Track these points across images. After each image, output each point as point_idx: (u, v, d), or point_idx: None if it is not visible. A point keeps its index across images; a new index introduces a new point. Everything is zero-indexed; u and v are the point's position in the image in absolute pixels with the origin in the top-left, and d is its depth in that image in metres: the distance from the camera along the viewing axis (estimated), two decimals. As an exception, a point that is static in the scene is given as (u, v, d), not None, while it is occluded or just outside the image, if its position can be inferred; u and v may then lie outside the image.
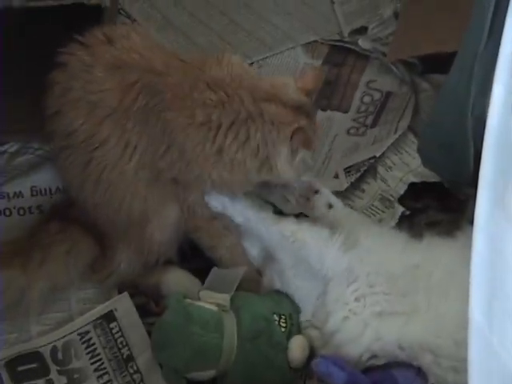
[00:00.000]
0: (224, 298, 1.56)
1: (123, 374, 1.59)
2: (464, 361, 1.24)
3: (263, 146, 1.52)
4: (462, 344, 1.33)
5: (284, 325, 1.58)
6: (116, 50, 1.56)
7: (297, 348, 1.56)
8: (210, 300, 1.57)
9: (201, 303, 1.56)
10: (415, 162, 1.87)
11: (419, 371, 1.41)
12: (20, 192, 1.84)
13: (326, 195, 1.69)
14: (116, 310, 1.65)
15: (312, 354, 1.55)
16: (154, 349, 1.56)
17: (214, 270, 1.61)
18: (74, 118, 1.55)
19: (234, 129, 1.51)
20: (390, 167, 1.88)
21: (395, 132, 1.92)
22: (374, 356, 1.46)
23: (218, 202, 1.59)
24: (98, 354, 1.61)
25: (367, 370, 1.45)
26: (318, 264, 1.53)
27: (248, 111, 1.51)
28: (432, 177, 1.81)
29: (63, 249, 1.64)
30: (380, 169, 1.87)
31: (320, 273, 1.52)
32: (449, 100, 1.63)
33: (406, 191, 1.81)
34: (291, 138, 1.51)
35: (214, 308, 1.55)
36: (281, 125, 1.51)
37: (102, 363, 1.60)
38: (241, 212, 1.60)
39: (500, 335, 1.02)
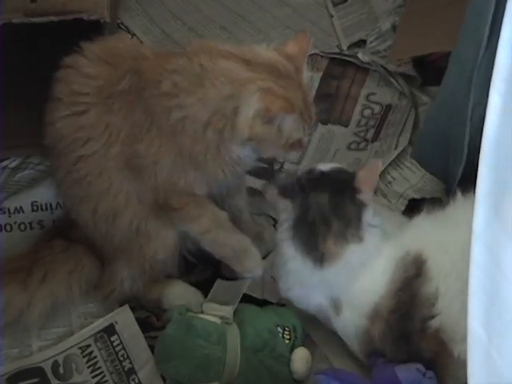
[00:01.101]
0: (227, 311, 1.56)
1: (125, 387, 1.59)
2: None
3: (220, 102, 1.46)
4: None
5: (288, 337, 1.58)
6: (104, 43, 1.57)
7: (300, 360, 1.56)
8: (213, 312, 1.57)
9: (204, 316, 1.56)
10: (415, 176, 1.87)
11: (425, 372, 1.40)
12: (21, 207, 1.84)
13: None
14: (116, 322, 1.64)
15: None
16: (157, 361, 1.56)
17: (218, 281, 1.60)
18: (60, 118, 1.55)
19: (192, 88, 1.47)
20: (390, 182, 1.88)
21: (396, 147, 1.92)
22: None
23: None
24: (100, 368, 1.60)
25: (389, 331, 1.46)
26: None
27: (202, 67, 1.47)
28: (432, 193, 1.82)
29: (66, 268, 1.64)
30: (380, 184, 1.87)
31: None
32: (444, 107, 1.63)
33: (407, 206, 1.81)
34: (259, 98, 1.44)
35: (218, 320, 1.55)
36: (236, 81, 1.46)
37: (104, 376, 1.60)
38: None
39: (498, 345, 1.02)
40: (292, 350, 1.57)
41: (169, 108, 1.48)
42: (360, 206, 1.48)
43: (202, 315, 1.56)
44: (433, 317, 1.42)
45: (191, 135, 1.48)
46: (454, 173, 1.62)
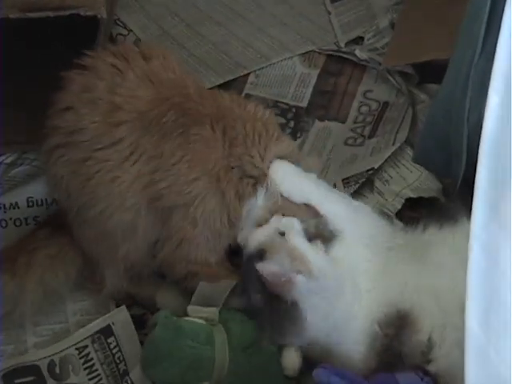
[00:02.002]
0: (212, 312, 1.56)
1: (119, 390, 1.58)
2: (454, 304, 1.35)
3: None
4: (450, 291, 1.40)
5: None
6: (152, 65, 1.57)
7: (290, 356, 1.55)
8: (198, 314, 1.56)
9: (189, 318, 1.55)
10: (412, 175, 1.87)
11: (423, 377, 1.41)
12: (16, 203, 1.84)
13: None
14: (114, 323, 1.63)
15: (306, 361, 1.54)
16: (146, 366, 1.53)
17: (201, 284, 1.59)
18: (86, 116, 1.53)
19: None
20: (387, 181, 1.87)
21: (393, 143, 1.92)
22: None
23: None
24: (96, 370, 1.60)
25: (377, 370, 1.45)
26: None
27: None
28: (429, 192, 1.81)
29: (47, 252, 1.63)
30: (377, 182, 1.87)
31: None
32: (443, 108, 1.64)
33: (404, 204, 1.81)
34: None
35: (203, 322, 1.54)
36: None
37: (100, 379, 1.59)
38: None
39: (496, 345, 1.02)
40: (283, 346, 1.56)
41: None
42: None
43: (186, 318, 1.56)
44: (428, 362, 1.43)
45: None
46: (456, 174, 1.62)
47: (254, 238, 1.54)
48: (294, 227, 1.52)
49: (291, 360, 1.54)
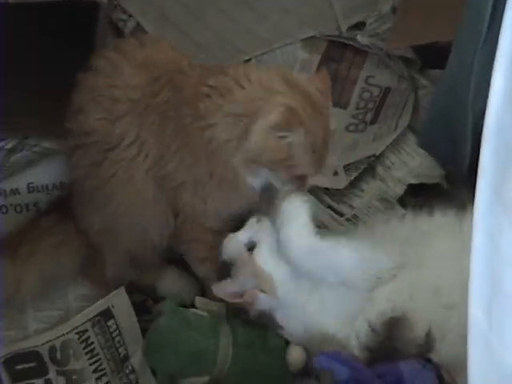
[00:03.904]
0: (220, 306, 1.56)
1: (120, 375, 1.57)
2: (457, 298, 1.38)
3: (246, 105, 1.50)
4: (455, 282, 1.41)
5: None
6: (146, 50, 1.58)
7: (294, 352, 1.55)
8: (207, 307, 1.56)
9: (196, 310, 1.55)
10: (414, 161, 1.86)
11: (425, 364, 1.40)
12: (17, 189, 1.83)
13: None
14: (113, 306, 1.63)
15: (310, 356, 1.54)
16: (148, 353, 1.54)
17: (198, 299, 1.60)
18: (92, 114, 1.55)
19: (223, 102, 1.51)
20: (389, 167, 1.87)
21: (395, 129, 1.91)
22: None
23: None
24: (97, 354, 1.60)
25: (372, 363, 1.44)
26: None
27: (236, 81, 1.51)
28: (431, 178, 1.81)
29: (51, 242, 1.64)
30: (379, 168, 1.87)
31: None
32: (448, 93, 1.63)
33: (406, 190, 1.80)
34: (281, 112, 1.46)
35: (209, 316, 1.55)
36: (268, 89, 1.50)
37: (101, 364, 1.59)
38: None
39: (499, 332, 1.02)
40: (287, 342, 1.56)
41: (202, 128, 1.50)
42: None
43: (193, 310, 1.56)
44: (429, 352, 1.43)
45: (222, 157, 1.50)
46: (460, 160, 1.61)
47: (226, 246, 1.55)
48: (263, 241, 1.53)
49: (296, 356, 1.54)
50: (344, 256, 1.46)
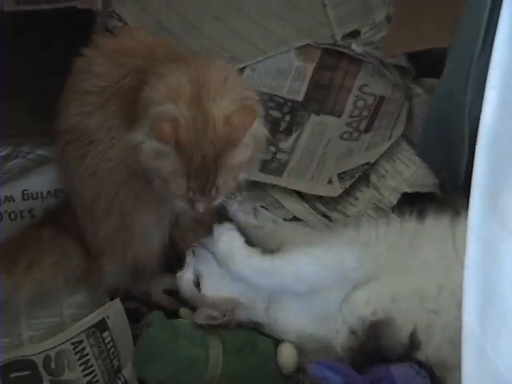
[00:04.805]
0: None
1: (113, 387, 1.57)
2: (443, 303, 1.39)
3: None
4: (443, 288, 1.42)
5: (270, 332, 1.58)
6: (119, 39, 1.55)
7: (285, 354, 1.55)
8: (190, 317, 1.56)
9: (183, 320, 1.55)
10: (408, 170, 1.86)
11: (419, 371, 1.41)
12: (11, 196, 1.83)
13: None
14: (108, 317, 1.63)
15: (303, 358, 1.54)
16: (138, 364, 1.52)
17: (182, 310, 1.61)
18: (71, 111, 1.53)
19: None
20: (383, 175, 1.87)
21: (389, 138, 1.91)
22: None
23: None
24: (91, 366, 1.60)
25: (365, 366, 1.44)
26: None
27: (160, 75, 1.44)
28: (425, 187, 1.81)
29: (53, 259, 1.63)
30: (373, 177, 1.87)
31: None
32: (444, 103, 1.63)
33: (400, 199, 1.80)
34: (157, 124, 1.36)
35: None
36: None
37: (95, 375, 1.59)
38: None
39: (493, 339, 1.02)
40: (277, 344, 1.56)
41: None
42: None
43: (181, 319, 1.56)
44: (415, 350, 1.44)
45: None
46: (456, 168, 1.61)
47: (180, 288, 1.57)
48: (205, 273, 1.53)
49: (287, 359, 1.54)
50: (303, 264, 1.48)
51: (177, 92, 1.39)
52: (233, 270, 1.50)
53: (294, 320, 1.53)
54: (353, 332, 1.46)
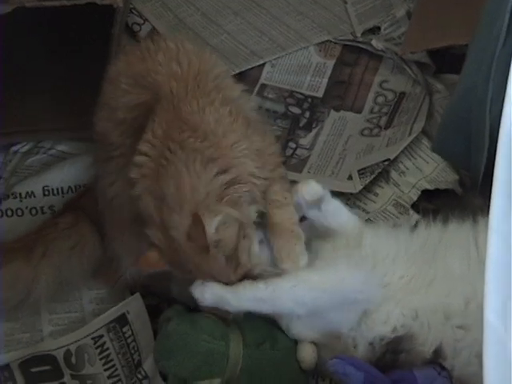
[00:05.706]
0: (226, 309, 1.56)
1: (133, 380, 1.57)
2: (471, 317, 1.37)
3: None
4: (470, 302, 1.40)
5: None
6: (144, 64, 1.53)
7: (305, 349, 1.55)
8: (211, 310, 1.56)
9: (203, 314, 1.55)
10: (429, 167, 1.85)
11: (441, 371, 1.40)
12: (32, 192, 1.84)
13: None
14: (128, 312, 1.64)
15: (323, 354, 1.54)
16: (159, 358, 1.52)
17: None
18: (98, 120, 1.56)
19: None
20: (403, 172, 1.86)
21: (410, 134, 1.91)
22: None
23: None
24: (112, 360, 1.61)
25: (387, 369, 1.44)
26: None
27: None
28: (445, 184, 1.80)
29: (68, 244, 1.64)
30: (393, 173, 1.86)
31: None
32: (464, 99, 1.62)
33: (419, 197, 1.80)
34: None
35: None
36: None
37: (116, 369, 1.60)
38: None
39: (515, 337, 1.01)
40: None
41: None
42: None
43: (201, 313, 1.56)
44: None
45: None
46: (476, 165, 1.61)
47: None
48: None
49: (307, 354, 1.54)
50: (302, 290, 1.45)
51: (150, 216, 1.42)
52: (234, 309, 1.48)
53: (307, 333, 1.52)
54: (371, 343, 1.45)
